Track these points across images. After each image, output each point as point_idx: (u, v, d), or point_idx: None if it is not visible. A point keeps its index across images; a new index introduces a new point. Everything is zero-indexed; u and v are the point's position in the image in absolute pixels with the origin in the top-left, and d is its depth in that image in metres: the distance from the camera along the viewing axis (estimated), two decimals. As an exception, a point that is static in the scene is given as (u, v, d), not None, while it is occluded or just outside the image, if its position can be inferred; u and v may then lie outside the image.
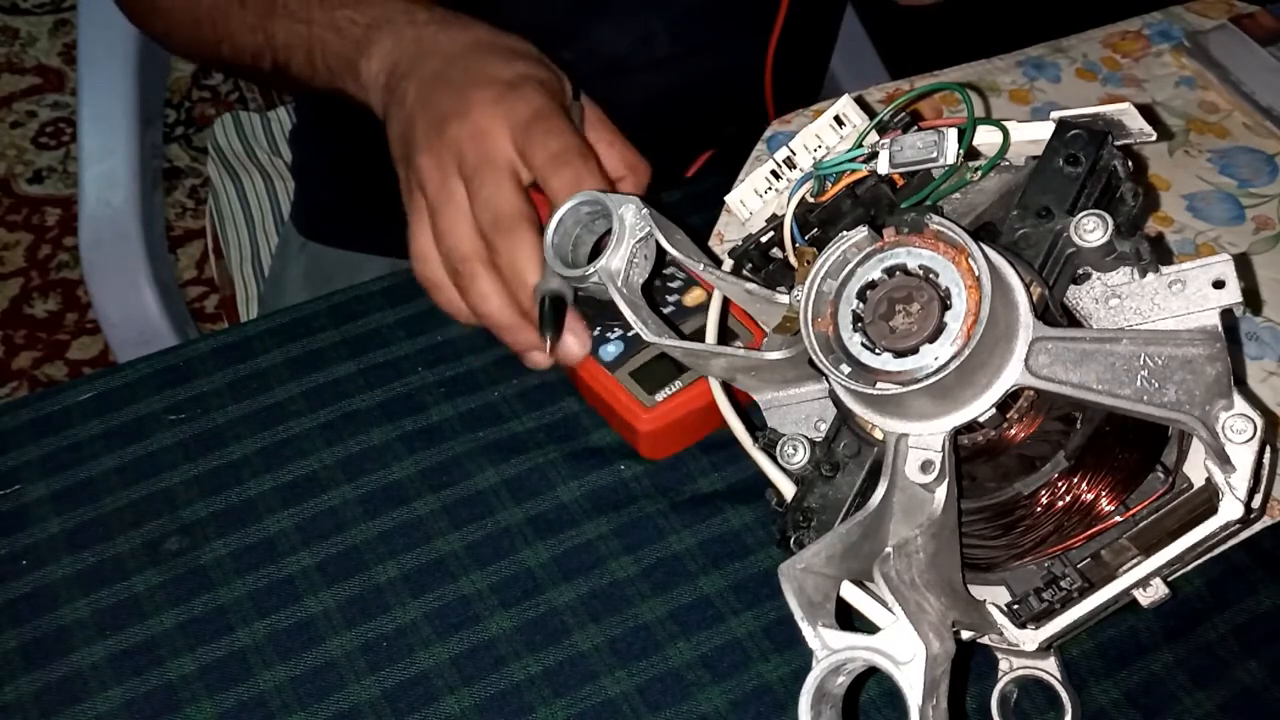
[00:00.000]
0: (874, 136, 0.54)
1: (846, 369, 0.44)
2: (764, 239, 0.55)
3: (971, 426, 0.45)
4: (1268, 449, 0.46)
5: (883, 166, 0.50)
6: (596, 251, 0.56)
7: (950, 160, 0.49)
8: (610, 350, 0.60)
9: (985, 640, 0.50)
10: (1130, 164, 0.51)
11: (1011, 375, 0.44)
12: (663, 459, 0.60)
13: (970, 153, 0.52)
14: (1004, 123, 0.52)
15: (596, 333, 0.60)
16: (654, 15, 0.81)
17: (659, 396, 0.58)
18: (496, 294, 0.58)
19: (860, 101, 0.57)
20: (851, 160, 0.52)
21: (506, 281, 0.58)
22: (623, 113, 0.67)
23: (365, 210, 0.95)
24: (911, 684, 0.40)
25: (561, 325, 0.57)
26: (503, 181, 0.58)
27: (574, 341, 0.58)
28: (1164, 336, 0.44)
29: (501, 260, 0.58)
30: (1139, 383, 0.44)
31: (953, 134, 0.49)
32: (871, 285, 0.44)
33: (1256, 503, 0.47)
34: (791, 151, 0.54)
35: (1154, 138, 0.51)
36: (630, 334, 0.60)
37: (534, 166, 0.59)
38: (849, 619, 0.45)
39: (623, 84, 0.75)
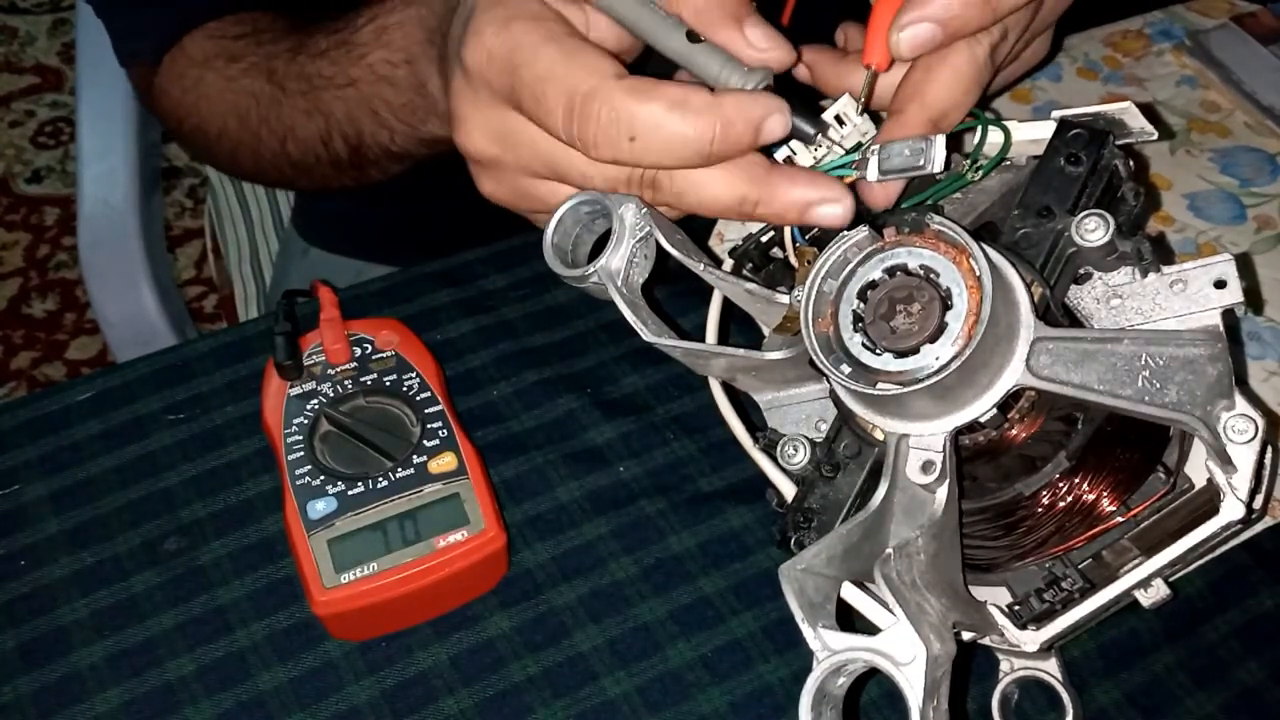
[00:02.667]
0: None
1: (847, 369, 0.44)
2: (764, 239, 0.54)
3: (973, 427, 0.45)
4: (1269, 449, 0.46)
5: (870, 174, 0.50)
6: (597, 251, 0.55)
7: (937, 168, 0.48)
8: (319, 507, 0.53)
9: (986, 641, 0.50)
10: (1131, 163, 0.50)
11: (1013, 375, 0.44)
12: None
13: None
14: (1005, 122, 0.52)
15: (318, 482, 0.54)
16: None
17: (345, 577, 0.52)
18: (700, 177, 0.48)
19: (861, 100, 0.57)
20: (847, 166, 0.52)
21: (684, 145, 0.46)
22: None
23: (367, 216, 0.95)
24: (912, 685, 0.40)
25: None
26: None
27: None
28: (1165, 336, 0.44)
29: (652, 137, 0.46)
30: (1140, 383, 0.44)
31: (940, 140, 0.48)
32: (872, 285, 0.44)
33: (1258, 503, 0.47)
34: (792, 151, 0.54)
35: (1155, 137, 0.50)
36: (350, 493, 0.54)
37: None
38: (850, 620, 0.45)
39: None
